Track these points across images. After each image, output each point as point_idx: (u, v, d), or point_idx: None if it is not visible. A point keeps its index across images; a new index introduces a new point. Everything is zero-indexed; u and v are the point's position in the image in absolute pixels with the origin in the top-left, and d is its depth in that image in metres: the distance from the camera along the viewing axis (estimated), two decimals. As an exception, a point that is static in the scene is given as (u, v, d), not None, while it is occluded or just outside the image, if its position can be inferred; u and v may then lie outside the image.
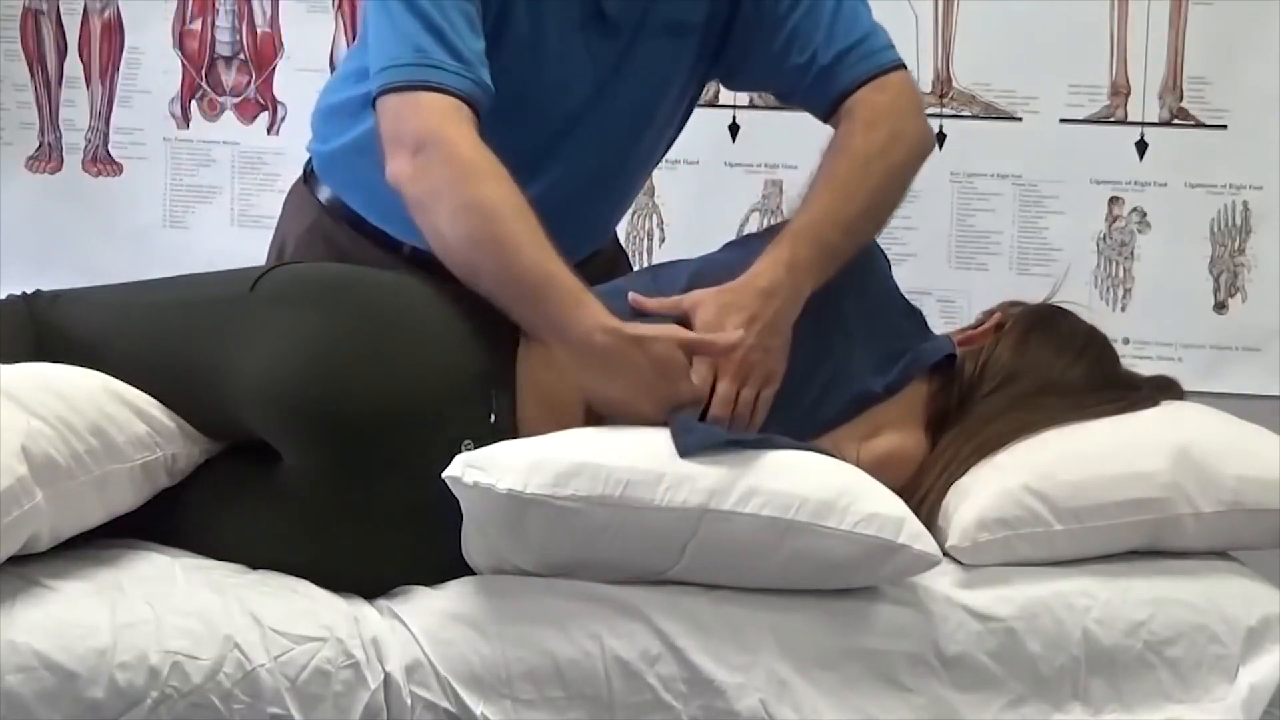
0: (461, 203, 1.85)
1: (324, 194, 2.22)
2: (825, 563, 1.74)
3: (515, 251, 1.82)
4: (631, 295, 1.91)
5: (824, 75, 2.08)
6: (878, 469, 1.86)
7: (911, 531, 1.74)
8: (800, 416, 1.90)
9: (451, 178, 1.86)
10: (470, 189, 1.85)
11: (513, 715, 1.68)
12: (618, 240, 2.38)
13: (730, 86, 2.39)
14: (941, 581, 1.81)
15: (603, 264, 2.22)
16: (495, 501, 1.69)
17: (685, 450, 1.72)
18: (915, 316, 2.05)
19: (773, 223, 3.05)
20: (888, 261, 2.07)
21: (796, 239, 1.94)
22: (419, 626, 1.71)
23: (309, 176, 2.26)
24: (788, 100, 2.20)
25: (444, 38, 1.92)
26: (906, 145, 2.08)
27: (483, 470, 1.70)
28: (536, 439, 1.76)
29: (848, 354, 1.95)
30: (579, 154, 2.10)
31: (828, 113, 2.10)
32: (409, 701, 1.67)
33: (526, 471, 1.69)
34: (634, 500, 1.70)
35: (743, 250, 2.02)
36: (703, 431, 1.75)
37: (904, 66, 2.12)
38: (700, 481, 1.71)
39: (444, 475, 1.71)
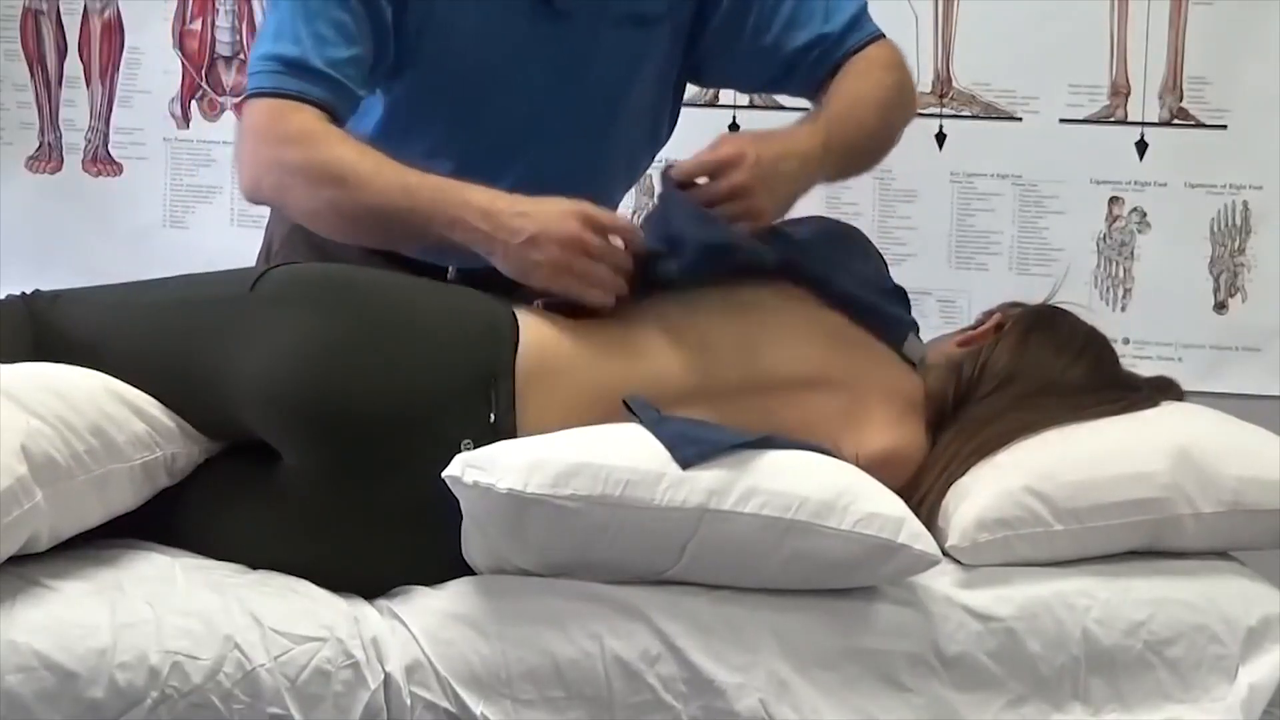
0: (303, 188, 1.93)
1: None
2: (825, 562, 1.74)
3: (367, 185, 1.89)
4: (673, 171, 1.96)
5: (828, 50, 2.15)
6: (877, 469, 1.86)
7: (911, 531, 1.74)
8: None
9: (283, 169, 1.94)
10: (303, 174, 1.92)
11: (513, 715, 1.68)
12: None
13: (704, 83, 2.42)
14: (941, 581, 1.81)
15: None
16: (495, 501, 1.69)
17: (685, 462, 1.71)
18: (900, 294, 2.08)
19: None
20: (883, 260, 2.11)
21: (830, 122, 2.04)
22: (419, 626, 1.71)
23: None
24: (772, 86, 2.28)
25: (296, 44, 1.98)
26: (912, 99, 2.24)
27: (482, 470, 1.70)
28: (536, 438, 1.76)
29: None
30: (547, 148, 2.10)
31: (820, 83, 2.15)
32: (409, 701, 1.67)
33: (526, 471, 1.69)
34: (634, 500, 1.70)
35: None
36: (702, 441, 1.74)
37: (883, 36, 2.20)
38: (700, 481, 1.71)
39: (444, 475, 1.71)
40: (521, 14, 2.04)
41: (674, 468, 1.71)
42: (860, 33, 2.17)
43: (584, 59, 2.08)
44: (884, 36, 2.19)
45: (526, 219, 1.85)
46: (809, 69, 2.15)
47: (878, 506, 1.74)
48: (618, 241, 1.88)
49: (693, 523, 1.71)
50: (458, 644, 1.70)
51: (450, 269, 2.05)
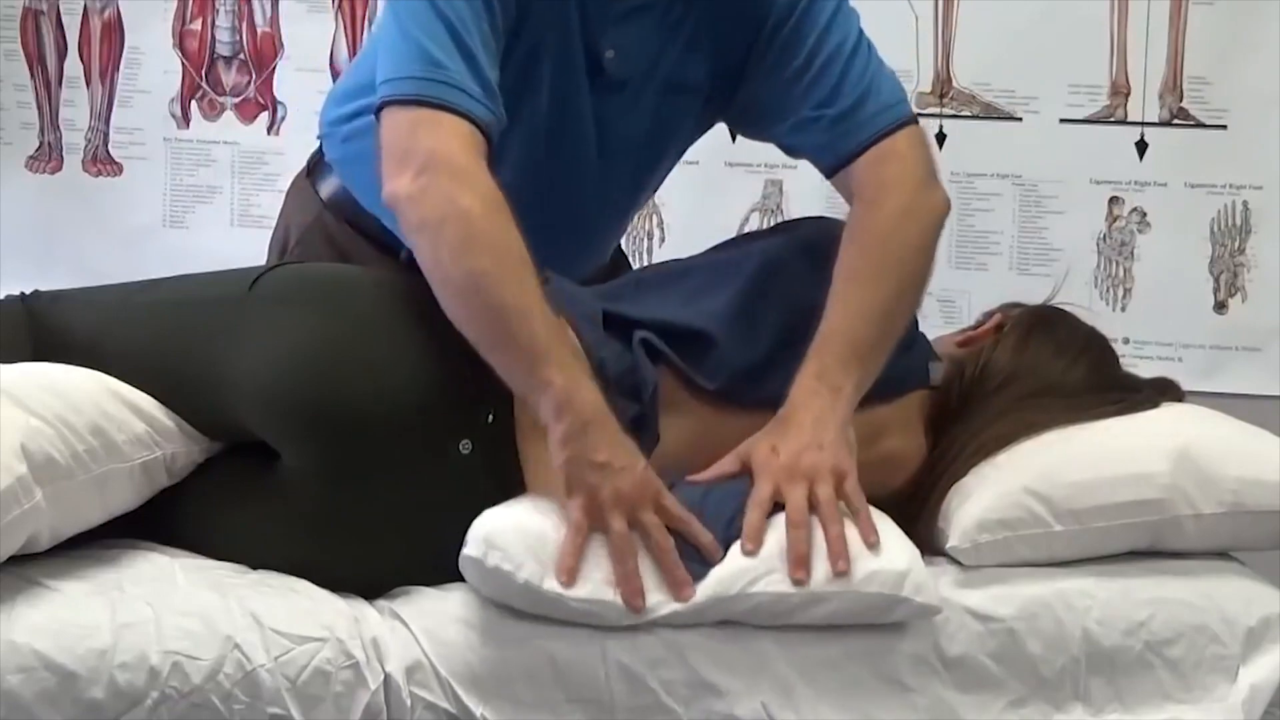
0: (463, 250, 1.77)
1: (326, 190, 2.21)
2: (832, 616, 1.75)
3: (508, 322, 1.75)
4: (689, 479, 1.84)
5: (829, 137, 2.03)
6: (877, 470, 1.86)
7: (915, 583, 1.75)
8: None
9: (456, 216, 1.77)
10: (475, 244, 1.76)
11: (513, 717, 1.68)
12: (619, 247, 2.37)
13: (741, 133, 2.30)
14: (942, 582, 1.81)
15: (602, 266, 2.22)
16: (510, 585, 1.70)
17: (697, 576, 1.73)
18: (911, 327, 2.04)
19: (773, 223, 3.07)
20: None
21: (821, 348, 1.88)
22: (420, 627, 1.71)
23: (313, 170, 2.26)
24: (795, 155, 2.15)
25: (469, 56, 1.85)
26: (920, 219, 2.00)
27: (504, 553, 1.69)
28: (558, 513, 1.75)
29: None
30: (580, 196, 2.09)
31: (831, 173, 2.05)
32: (409, 702, 1.67)
33: (546, 564, 1.69)
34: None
35: (737, 251, 2.03)
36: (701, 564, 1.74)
37: (911, 121, 2.04)
38: (708, 579, 1.73)
39: (462, 554, 1.71)
40: (582, 82, 2.02)
41: None
42: (856, 135, 2.00)
43: (627, 121, 2.07)
44: (891, 130, 2.01)
45: (605, 471, 1.74)
46: (812, 152, 2.07)
47: (880, 563, 1.74)
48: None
49: (706, 614, 1.73)
50: (458, 645, 1.70)
51: None
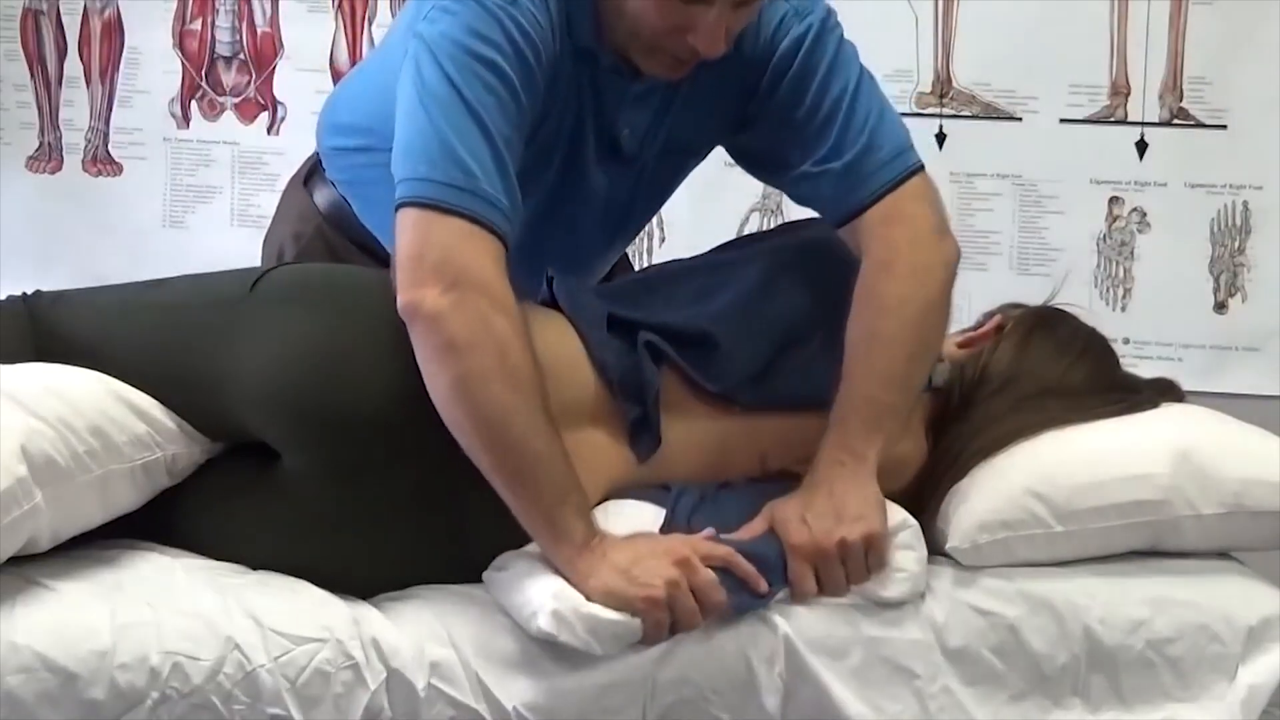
0: (494, 380, 1.71)
1: (323, 199, 2.21)
2: None
3: (532, 464, 1.72)
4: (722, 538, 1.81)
5: (834, 191, 1.98)
6: (880, 470, 1.86)
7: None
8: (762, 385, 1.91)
9: (492, 342, 1.72)
10: (508, 374, 1.71)
11: (547, 708, 1.68)
12: None
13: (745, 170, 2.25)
14: (943, 580, 1.82)
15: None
16: (528, 628, 1.70)
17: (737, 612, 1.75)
18: None
19: (773, 223, 3.07)
20: None
21: (845, 416, 1.88)
22: (450, 620, 1.71)
23: (309, 177, 2.25)
24: (800, 204, 2.09)
25: (500, 165, 1.78)
26: (935, 275, 1.96)
27: (559, 619, 1.68)
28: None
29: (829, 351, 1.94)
30: (576, 246, 2.10)
31: (838, 226, 2.00)
32: (425, 696, 1.67)
33: (560, 617, 1.68)
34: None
35: (740, 252, 2.03)
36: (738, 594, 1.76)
37: (918, 170, 1.99)
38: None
39: (485, 575, 1.74)
40: (591, 158, 2.02)
41: None
42: (861, 190, 1.96)
43: (635, 184, 2.08)
44: (898, 183, 1.96)
45: (639, 567, 1.72)
46: (819, 204, 2.02)
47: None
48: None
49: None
50: (489, 637, 1.71)
51: None
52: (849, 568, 1.80)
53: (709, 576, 1.72)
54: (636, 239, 2.37)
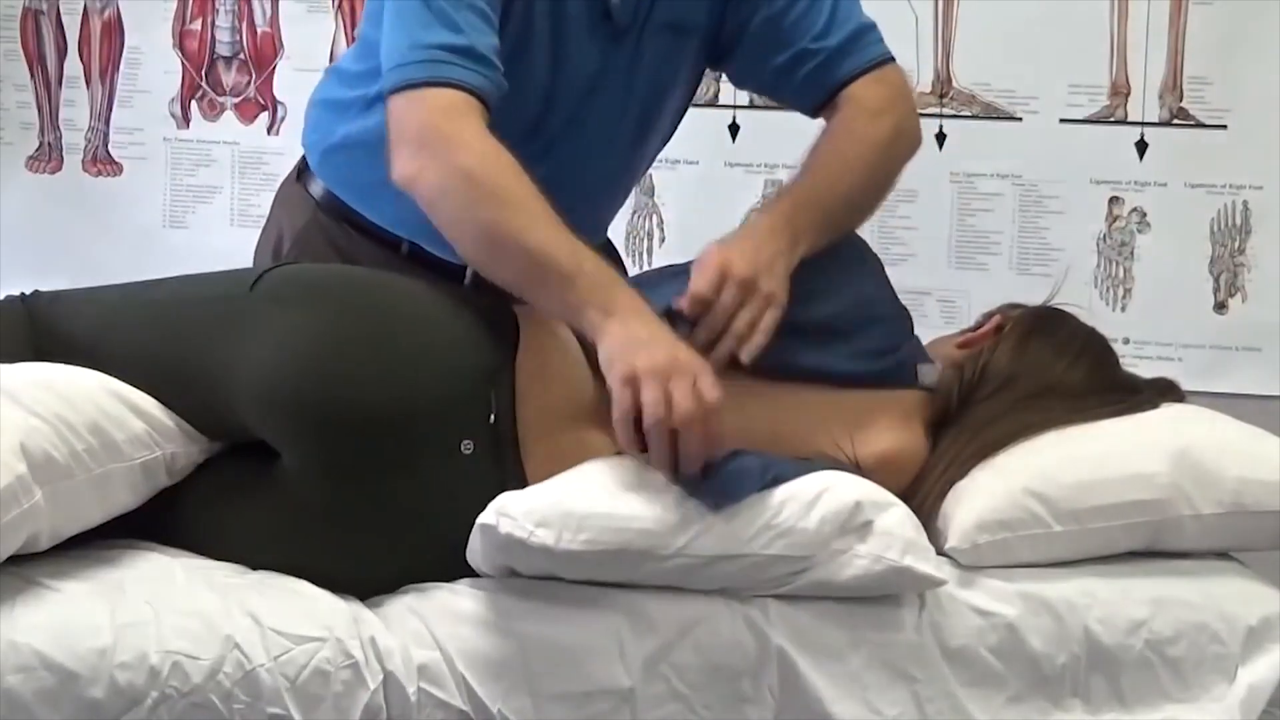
0: (473, 207, 1.84)
1: (317, 190, 2.21)
2: (837, 584, 1.75)
3: (534, 225, 1.81)
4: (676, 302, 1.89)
5: (823, 66, 2.10)
6: (878, 471, 1.86)
7: (920, 554, 1.76)
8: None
9: (457, 179, 1.85)
10: (481, 197, 1.83)
11: (531, 713, 1.68)
12: (610, 244, 2.37)
13: (728, 77, 2.35)
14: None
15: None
16: (525, 550, 1.70)
17: (718, 506, 1.72)
18: (905, 319, 2.05)
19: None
20: (879, 263, 2.08)
21: (799, 200, 1.98)
22: (436, 622, 1.71)
23: (302, 172, 2.26)
24: (778, 95, 2.20)
25: (457, 32, 1.91)
26: (908, 141, 2.13)
27: (514, 521, 1.70)
28: (564, 485, 1.75)
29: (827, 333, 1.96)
30: (581, 153, 2.10)
31: (823, 103, 2.12)
32: (415, 700, 1.67)
33: (559, 526, 1.69)
34: (657, 550, 1.71)
35: None
36: (723, 493, 1.74)
37: (895, 60, 2.15)
38: (719, 529, 1.72)
39: (478, 521, 1.71)
40: (586, 27, 2.05)
41: (697, 515, 1.72)
42: (858, 57, 2.11)
43: (630, 66, 2.09)
44: (886, 61, 2.13)
45: (645, 344, 1.76)
46: (802, 84, 2.12)
47: (888, 526, 1.75)
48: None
49: (715, 566, 1.73)
50: (476, 639, 1.70)
51: (469, 270, 2.03)
52: (742, 314, 1.85)
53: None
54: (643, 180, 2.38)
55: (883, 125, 2.08)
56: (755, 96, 3.06)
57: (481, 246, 1.85)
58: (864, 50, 2.11)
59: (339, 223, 2.18)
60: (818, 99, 2.12)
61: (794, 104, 2.17)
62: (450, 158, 1.85)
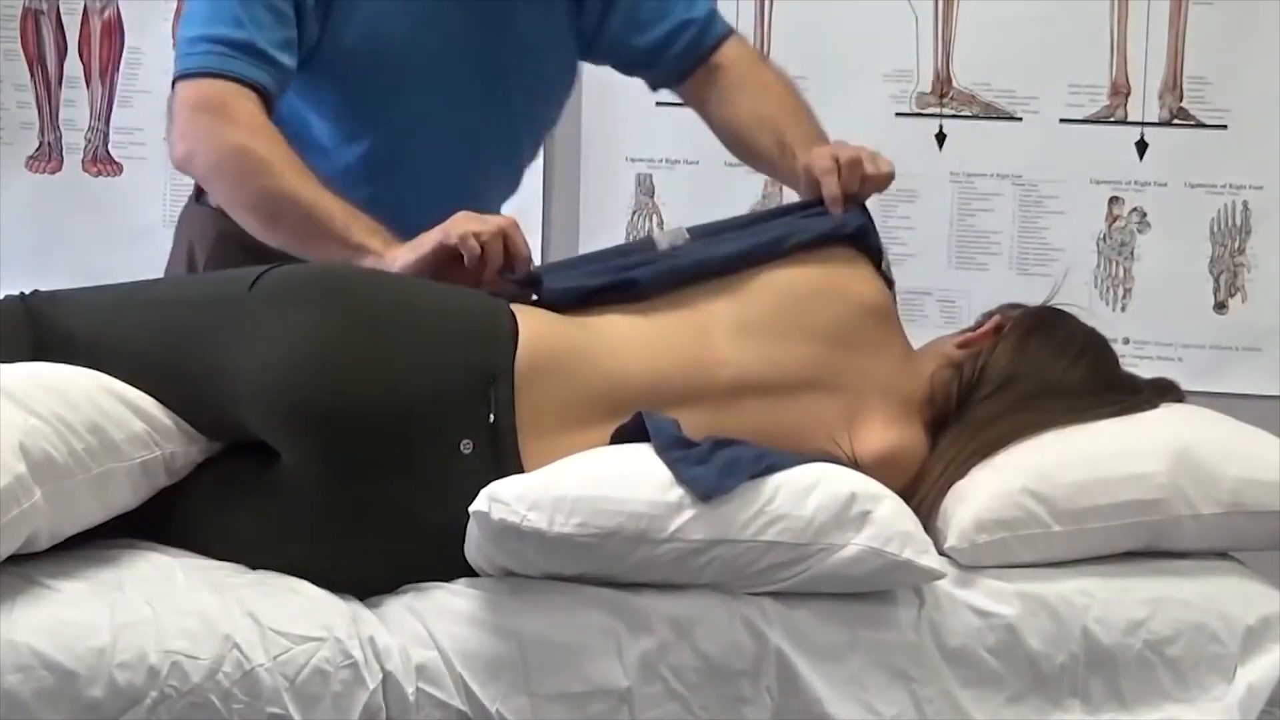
0: (247, 176, 2.00)
1: (216, 201, 2.22)
2: (834, 576, 1.75)
3: (310, 219, 1.97)
4: None
5: (701, 33, 2.30)
6: (877, 470, 1.86)
7: (917, 546, 1.75)
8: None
9: (225, 149, 2.01)
10: (252, 168, 2.00)
11: (529, 714, 1.68)
12: None
13: (591, 60, 2.42)
14: (942, 580, 1.81)
15: None
16: (518, 536, 1.70)
17: (708, 495, 1.72)
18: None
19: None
20: None
21: (806, 138, 2.20)
22: (434, 622, 1.71)
23: (201, 194, 2.28)
24: (636, 69, 2.34)
25: (239, 27, 2.05)
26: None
27: (507, 506, 1.70)
28: (556, 471, 1.75)
29: None
30: (456, 122, 2.20)
31: (689, 70, 2.30)
32: (413, 700, 1.67)
33: (551, 510, 1.69)
34: (650, 533, 1.71)
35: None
36: (716, 480, 1.74)
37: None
38: (714, 514, 1.72)
39: (471, 509, 1.71)
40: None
41: (687, 499, 1.72)
42: (722, 24, 2.32)
43: (490, 31, 2.18)
44: (735, 32, 2.35)
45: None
46: (678, 56, 2.29)
47: (884, 517, 1.75)
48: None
49: (709, 553, 1.72)
50: (474, 640, 1.70)
51: None
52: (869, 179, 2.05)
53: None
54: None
55: (772, 67, 2.33)
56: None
57: (261, 212, 2.01)
58: (723, 21, 2.34)
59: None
60: (688, 66, 2.31)
61: (661, 77, 2.33)
62: (221, 137, 2.02)
